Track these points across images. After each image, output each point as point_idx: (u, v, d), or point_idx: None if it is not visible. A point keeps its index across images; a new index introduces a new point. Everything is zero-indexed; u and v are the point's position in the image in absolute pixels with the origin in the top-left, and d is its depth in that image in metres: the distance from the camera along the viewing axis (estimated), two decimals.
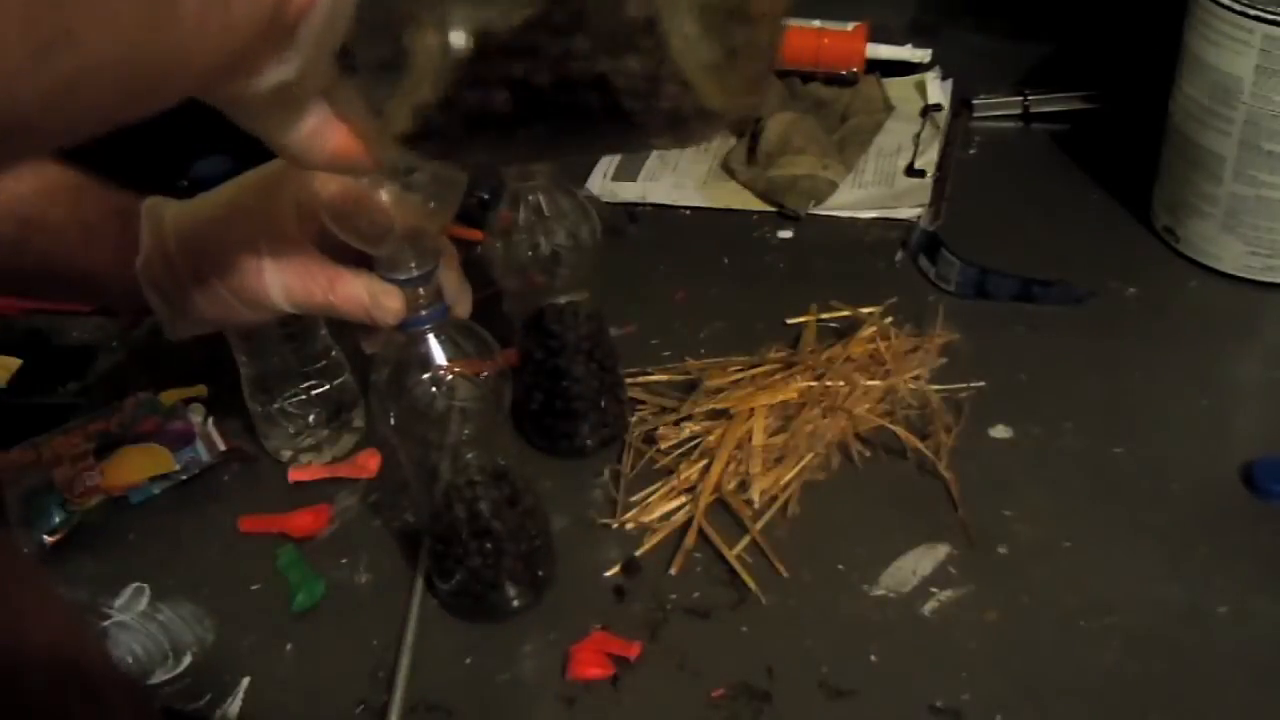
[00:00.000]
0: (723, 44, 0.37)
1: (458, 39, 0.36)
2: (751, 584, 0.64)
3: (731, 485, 0.69)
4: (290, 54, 0.36)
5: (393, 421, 0.58)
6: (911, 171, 0.96)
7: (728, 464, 0.70)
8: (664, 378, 0.79)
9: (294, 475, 0.75)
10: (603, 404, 0.73)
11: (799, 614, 0.63)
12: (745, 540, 0.67)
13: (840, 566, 0.65)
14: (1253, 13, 0.72)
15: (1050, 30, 1.11)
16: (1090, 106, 1.01)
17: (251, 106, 0.38)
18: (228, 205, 0.58)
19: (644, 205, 0.98)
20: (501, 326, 0.67)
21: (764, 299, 0.84)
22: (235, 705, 0.62)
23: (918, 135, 1.01)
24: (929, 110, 1.03)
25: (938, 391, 0.74)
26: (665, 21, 0.35)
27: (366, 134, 0.41)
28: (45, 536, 0.72)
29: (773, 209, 0.95)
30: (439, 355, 0.57)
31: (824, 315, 0.82)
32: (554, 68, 0.36)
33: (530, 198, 0.66)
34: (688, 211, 0.97)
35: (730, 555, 0.66)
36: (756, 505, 0.68)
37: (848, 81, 1.06)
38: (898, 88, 1.07)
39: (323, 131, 0.41)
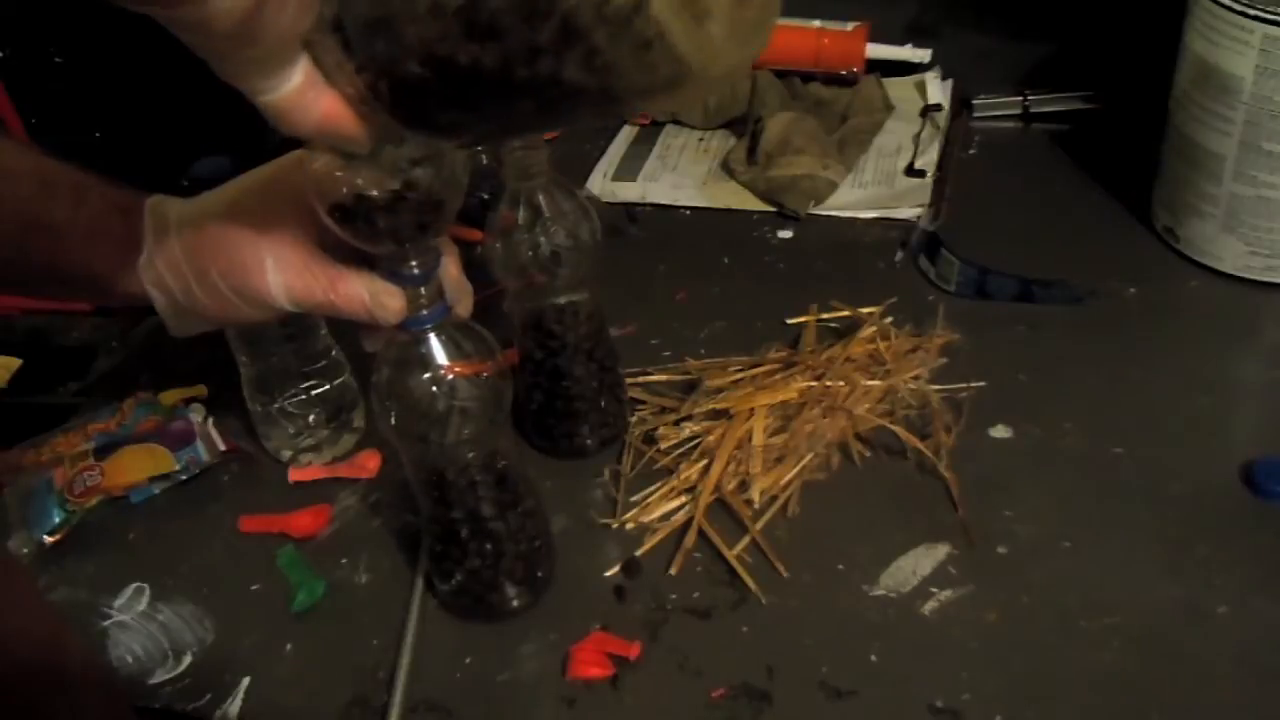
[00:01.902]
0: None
1: None
2: (751, 584, 0.64)
3: (731, 485, 0.69)
4: None
5: (393, 421, 0.58)
6: (911, 171, 0.96)
7: (728, 464, 0.70)
8: (664, 378, 0.79)
9: (294, 475, 0.76)
10: (603, 404, 0.73)
11: (799, 614, 0.63)
12: (745, 540, 0.67)
13: (840, 566, 0.65)
14: (1253, 13, 0.72)
15: (1050, 30, 1.11)
16: (1090, 106, 1.01)
17: (223, 41, 0.38)
18: (230, 204, 0.58)
19: (644, 205, 0.98)
20: (501, 326, 0.67)
21: (764, 299, 0.84)
22: (235, 705, 0.62)
23: (918, 135, 1.01)
24: (929, 110, 1.03)
25: (938, 391, 0.74)
26: None
27: (354, 99, 0.41)
28: (45, 536, 0.72)
29: (773, 209, 0.95)
30: (440, 355, 0.57)
31: (824, 315, 0.82)
32: (533, 31, 0.36)
33: (530, 198, 0.66)
34: (688, 211, 0.97)
35: (730, 555, 0.66)
36: (756, 505, 0.68)
37: (848, 81, 1.06)
38: (898, 88, 1.07)
39: (309, 93, 0.41)
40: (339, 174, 0.50)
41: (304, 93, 0.41)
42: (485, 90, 0.39)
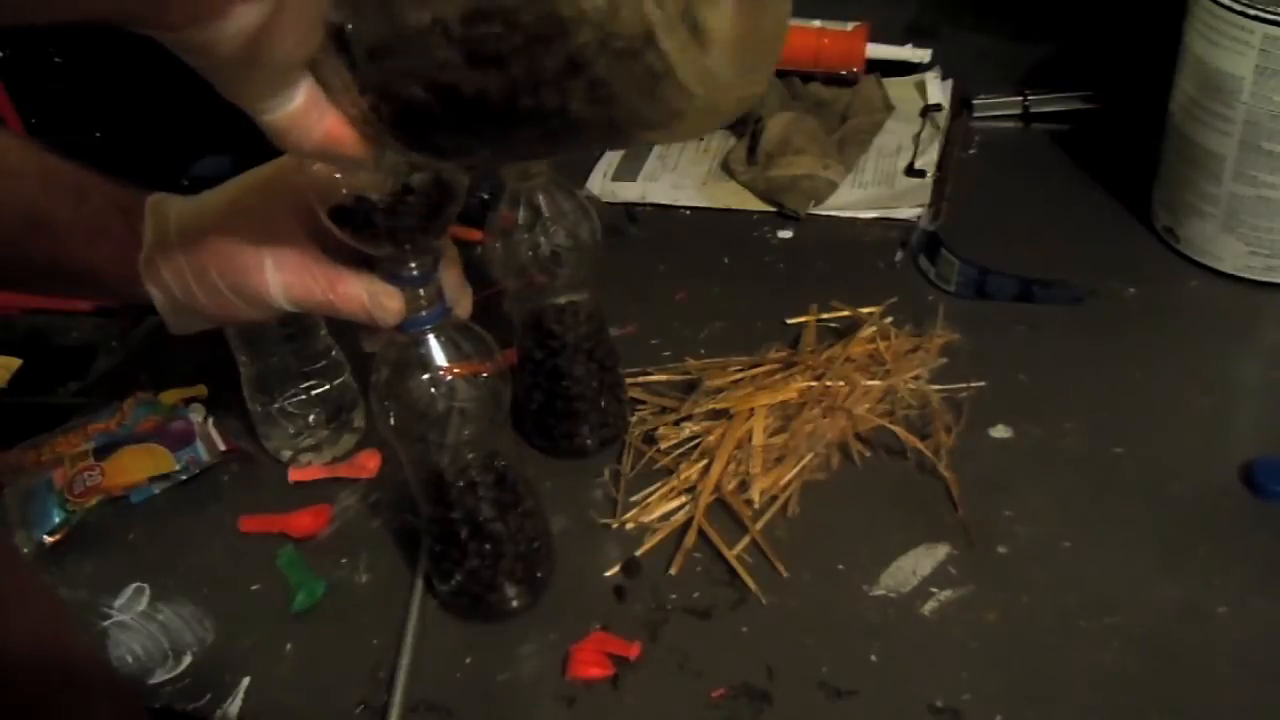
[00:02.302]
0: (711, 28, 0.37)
1: (449, 15, 0.36)
2: (751, 584, 0.64)
3: (731, 485, 0.69)
4: None
5: (392, 422, 0.58)
6: (911, 171, 0.96)
7: (728, 464, 0.70)
8: (664, 378, 0.79)
9: (294, 475, 0.76)
10: (603, 404, 0.73)
11: (799, 614, 0.63)
12: (745, 540, 0.67)
13: (840, 566, 0.65)
14: (1253, 13, 0.72)
15: (1050, 30, 1.11)
16: (1090, 106, 1.01)
17: (228, 64, 0.38)
18: (230, 203, 0.58)
19: (644, 205, 0.98)
20: (501, 326, 0.67)
21: (764, 299, 0.84)
22: (235, 705, 0.62)
23: (918, 135, 1.01)
24: (929, 110, 1.03)
25: (938, 391, 0.73)
26: (657, 25, 0.35)
27: (357, 120, 0.41)
28: (45, 536, 0.72)
29: (773, 209, 0.95)
30: (439, 356, 0.57)
31: (824, 315, 0.82)
32: (537, 59, 0.36)
33: (530, 198, 0.66)
34: (688, 211, 0.97)
35: (730, 555, 0.66)
36: (756, 505, 0.68)
37: (848, 81, 1.06)
38: (898, 88, 1.07)
39: (313, 113, 0.41)
40: (339, 176, 0.50)
41: (307, 112, 0.41)
42: (488, 118, 0.39)
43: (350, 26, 0.39)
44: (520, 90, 0.37)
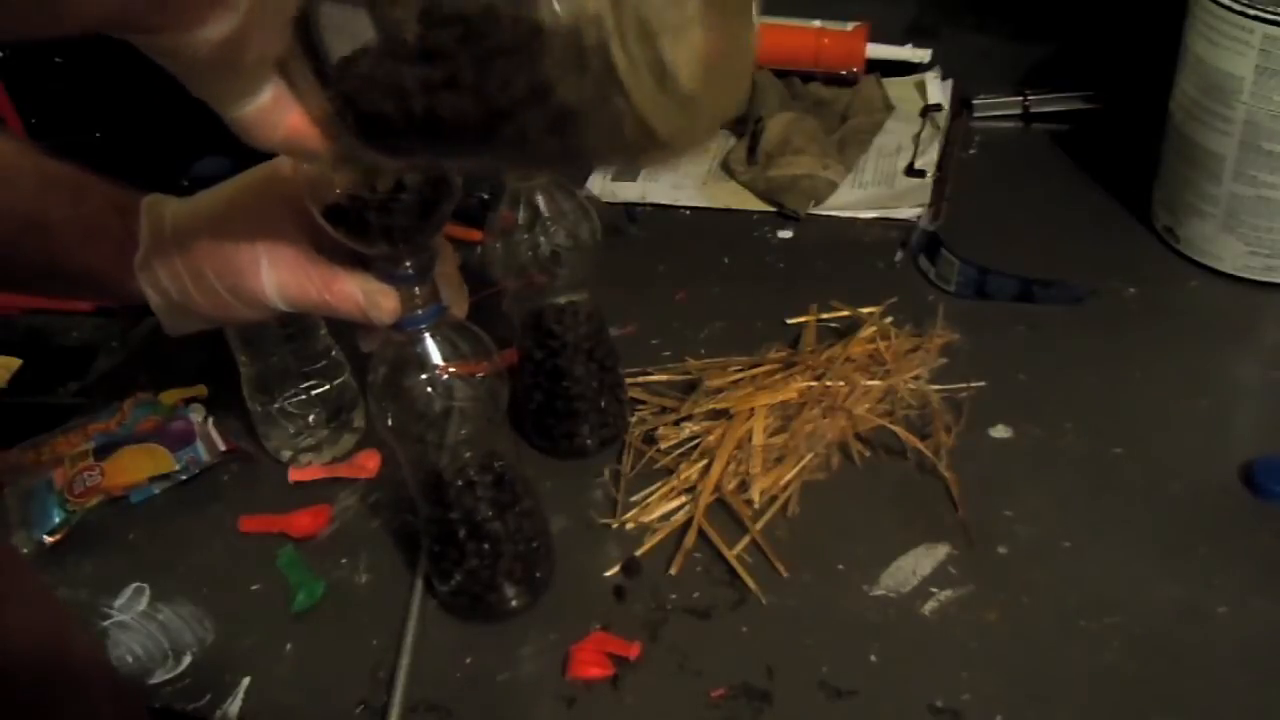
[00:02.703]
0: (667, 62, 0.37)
1: (413, 29, 0.37)
2: (751, 584, 0.64)
3: (731, 485, 0.69)
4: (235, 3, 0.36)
5: (390, 422, 0.58)
6: (911, 171, 0.96)
7: (728, 464, 0.70)
8: (664, 378, 0.79)
9: (294, 475, 0.76)
10: (603, 404, 0.73)
11: (799, 614, 0.63)
12: (745, 540, 0.67)
13: (840, 566, 0.65)
14: (1253, 13, 0.72)
15: (1050, 30, 1.11)
16: (1090, 106, 1.01)
17: (199, 66, 0.38)
18: (226, 203, 0.58)
19: (644, 205, 0.98)
20: (501, 326, 0.67)
21: (764, 299, 0.84)
22: (235, 705, 0.62)
23: (918, 135, 1.01)
24: (929, 110, 1.03)
25: (938, 391, 0.73)
26: (613, 44, 0.35)
27: (320, 120, 0.42)
28: (45, 536, 0.72)
29: (773, 209, 0.95)
30: (436, 355, 0.57)
31: (824, 315, 0.82)
32: (496, 71, 0.36)
33: (530, 198, 0.66)
34: (688, 211, 0.97)
35: (730, 555, 0.66)
36: (756, 505, 0.68)
37: (848, 81, 1.06)
38: (898, 88, 1.07)
39: (277, 110, 0.42)
40: (333, 175, 0.50)
41: (272, 109, 0.42)
42: (450, 136, 0.39)
43: (317, 32, 0.39)
44: (485, 117, 0.37)
